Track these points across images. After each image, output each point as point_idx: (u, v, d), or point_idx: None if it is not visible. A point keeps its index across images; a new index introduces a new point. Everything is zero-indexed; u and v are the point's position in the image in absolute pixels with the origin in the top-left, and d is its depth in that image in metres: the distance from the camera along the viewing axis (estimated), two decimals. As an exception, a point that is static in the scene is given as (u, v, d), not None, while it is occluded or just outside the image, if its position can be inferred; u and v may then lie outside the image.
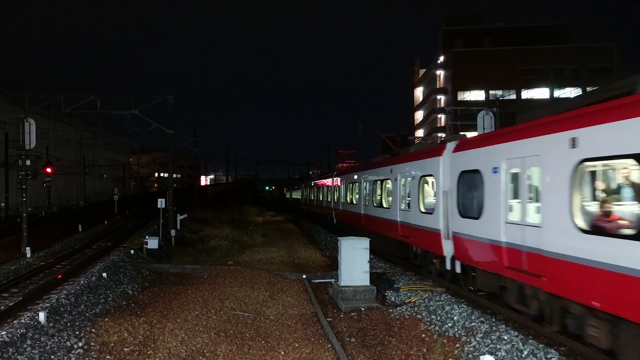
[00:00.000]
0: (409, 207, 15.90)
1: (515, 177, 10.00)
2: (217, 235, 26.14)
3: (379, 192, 19.78)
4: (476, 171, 11.42)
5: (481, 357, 8.43)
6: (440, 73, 75.46)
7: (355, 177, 24.25)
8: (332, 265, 18.80)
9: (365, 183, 22.09)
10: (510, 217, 10.01)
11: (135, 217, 44.43)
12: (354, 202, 24.20)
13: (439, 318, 11.01)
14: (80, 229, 32.04)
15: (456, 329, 10.18)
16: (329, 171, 49.70)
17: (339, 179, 29.09)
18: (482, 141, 11.72)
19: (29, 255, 21.13)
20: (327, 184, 33.13)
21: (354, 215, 23.94)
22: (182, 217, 29.17)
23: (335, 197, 29.64)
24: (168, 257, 22.04)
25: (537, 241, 8.86)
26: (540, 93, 64.36)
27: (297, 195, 57.82)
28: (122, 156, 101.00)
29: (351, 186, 25.24)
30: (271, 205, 76.54)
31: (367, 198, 21.42)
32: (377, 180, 20.03)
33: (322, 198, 35.10)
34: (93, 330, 10.81)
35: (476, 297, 12.30)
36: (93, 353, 9.54)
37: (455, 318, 10.72)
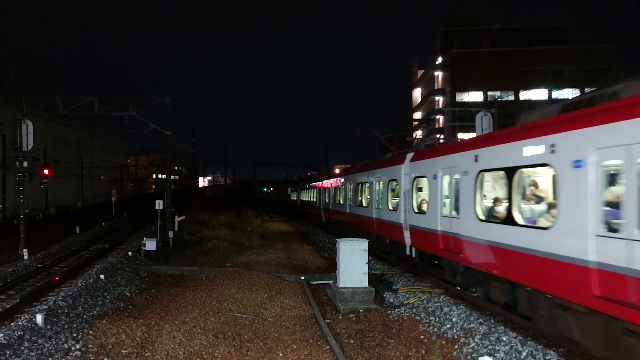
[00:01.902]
0: None
1: None
2: (215, 236, 26.11)
3: None
4: None
5: (480, 358, 8.43)
6: (439, 74, 75.59)
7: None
8: (331, 266, 18.78)
9: None
10: None
11: (133, 219, 44.39)
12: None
13: (437, 319, 10.99)
14: (77, 231, 31.98)
15: (455, 330, 10.17)
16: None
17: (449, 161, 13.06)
18: None
19: (26, 257, 21.07)
20: (394, 175, 17.55)
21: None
22: (180, 218, 29.15)
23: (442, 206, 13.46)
24: (166, 259, 22.01)
25: None
26: (538, 94, 64.48)
27: (308, 196, 44.36)
28: (119, 158, 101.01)
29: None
30: (270, 208, 71.42)
31: None
32: None
33: (381, 204, 19.19)
34: (91, 332, 10.77)
35: (475, 298, 12.28)
36: (91, 355, 9.51)
37: (453, 319, 10.70)
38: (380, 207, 19.18)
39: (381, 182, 19.28)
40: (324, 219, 34.37)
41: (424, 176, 14.87)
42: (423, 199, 15.15)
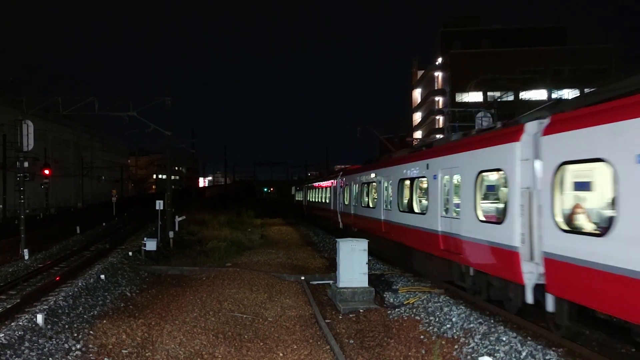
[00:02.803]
0: None
1: None
2: (215, 237, 26.11)
3: None
4: None
5: (480, 358, 8.44)
6: (439, 74, 75.61)
7: None
8: (331, 266, 18.78)
9: None
10: None
11: (133, 219, 44.40)
12: None
13: (437, 319, 11.00)
14: (78, 231, 31.97)
15: (455, 330, 10.18)
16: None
17: None
18: None
19: (27, 257, 21.08)
20: (493, 162, 10.73)
21: None
22: (180, 218, 29.17)
23: None
24: (166, 259, 22.01)
25: None
26: (538, 94, 64.46)
27: (319, 197, 36.47)
28: (120, 158, 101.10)
29: None
30: (271, 209, 64.67)
31: None
32: None
33: (455, 211, 12.61)
34: (91, 332, 10.79)
35: (474, 298, 12.29)
36: (91, 355, 9.52)
37: (453, 319, 10.71)
38: (455, 215, 12.49)
39: (458, 176, 12.45)
40: (341, 226, 27.46)
41: (591, 159, 7.95)
42: (578, 206, 8.57)
